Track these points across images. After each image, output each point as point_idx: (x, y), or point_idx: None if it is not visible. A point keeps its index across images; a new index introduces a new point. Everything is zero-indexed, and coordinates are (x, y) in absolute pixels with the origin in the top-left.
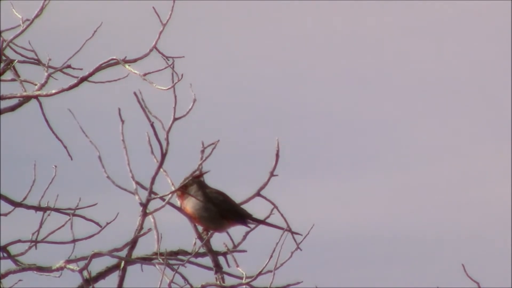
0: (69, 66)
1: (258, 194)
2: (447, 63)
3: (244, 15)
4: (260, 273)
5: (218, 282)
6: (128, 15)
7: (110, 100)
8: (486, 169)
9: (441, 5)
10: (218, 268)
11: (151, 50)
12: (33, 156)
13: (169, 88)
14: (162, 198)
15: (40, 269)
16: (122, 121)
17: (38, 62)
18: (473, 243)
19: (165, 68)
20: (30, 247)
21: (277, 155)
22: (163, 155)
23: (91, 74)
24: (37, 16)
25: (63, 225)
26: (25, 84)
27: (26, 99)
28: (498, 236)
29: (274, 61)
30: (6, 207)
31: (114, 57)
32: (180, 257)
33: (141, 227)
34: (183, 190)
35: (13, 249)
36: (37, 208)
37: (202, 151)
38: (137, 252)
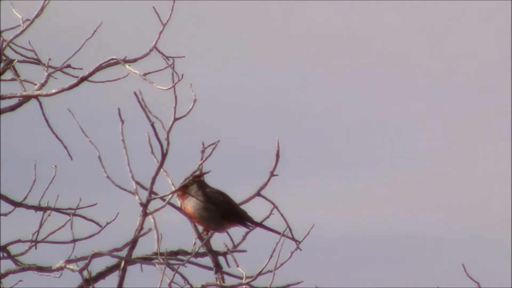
0: (69, 66)
1: (258, 194)
2: (448, 63)
3: (244, 15)
4: (260, 273)
5: (218, 282)
6: (128, 15)
7: (110, 100)
8: (486, 169)
9: (441, 5)
10: (218, 268)
11: (151, 50)
12: (33, 156)
13: (169, 88)
14: (162, 198)
15: (40, 269)
16: (122, 121)
17: (38, 62)
18: (473, 243)
19: (165, 68)
20: (30, 247)
21: (277, 155)
22: (164, 155)
23: (91, 74)
24: (37, 16)
25: (63, 225)
26: (25, 84)
27: (26, 99)
28: (498, 236)
29: (274, 61)
30: (6, 207)
31: (114, 57)
32: (180, 257)
33: (141, 227)
34: (184, 190)
35: (13, 249)
36: (37, 208)
37: (203, 151)
38: (137, 252)
